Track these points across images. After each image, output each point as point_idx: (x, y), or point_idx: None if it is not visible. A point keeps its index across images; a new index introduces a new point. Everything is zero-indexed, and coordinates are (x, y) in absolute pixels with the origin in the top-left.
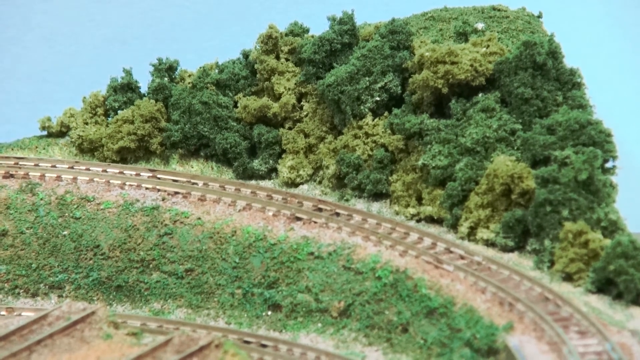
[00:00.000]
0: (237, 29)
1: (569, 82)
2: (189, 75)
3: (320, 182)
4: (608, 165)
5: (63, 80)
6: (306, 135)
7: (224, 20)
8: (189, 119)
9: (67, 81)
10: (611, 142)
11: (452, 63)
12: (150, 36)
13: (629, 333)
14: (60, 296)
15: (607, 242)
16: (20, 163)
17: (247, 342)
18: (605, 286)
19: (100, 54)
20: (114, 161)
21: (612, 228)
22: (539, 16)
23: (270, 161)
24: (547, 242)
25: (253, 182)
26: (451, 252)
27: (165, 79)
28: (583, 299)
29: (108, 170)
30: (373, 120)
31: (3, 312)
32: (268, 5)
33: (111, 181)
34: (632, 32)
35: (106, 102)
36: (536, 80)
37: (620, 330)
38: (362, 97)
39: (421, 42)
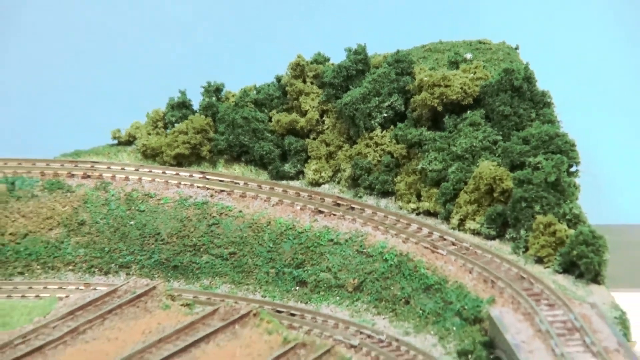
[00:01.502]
0: (272, 57)
1: (540, 102)
2: (232, 95)
3: (338, 182)
4: (572, 169)
5: (130, 98)
6: (327, 145)
7: (261, 50)
8: (232, 131)
9: (133, 100)
10: (575, 151)
11: (446, 86)
12: (201, 63)
13: (589, 305)
14: (127, 274)
15: (571, 232)
16: (95, 166)
17: (279, 312)
18: (569, 267)
19: (161, 78)
20: (171, 165)
21: (575, 220)
22: (516, 48)
23: (298, 165)
24: (522, 232)
25: (284, 182)
26: (444, 239)
27: (213, 98)
28: (551, 278)
29: (166, 172)
30: (381, 132)
31: (82, 287)
32: (297, 38)
33: (169, 181)
34: (594, 59)
35: (165, 117)
36: (514, 100)
37: (582, 303)
38: (373, 114)
39: (420, 69)
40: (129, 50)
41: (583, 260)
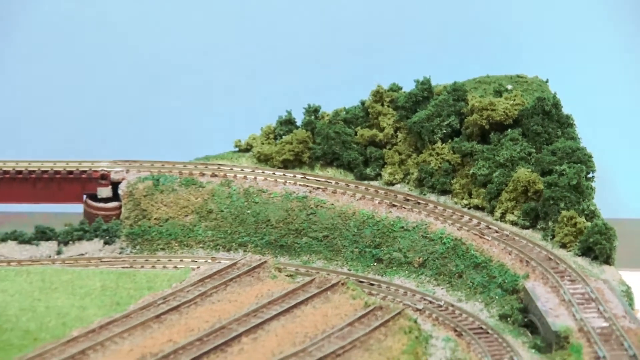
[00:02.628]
0: (358, 86)
1: (565, 123)
2: (327, 115)
3: (407, 183)
4: (589, 175)
5: (248, 115)
6: (399, 154)
7: (349, 80)
8: (326, 142)
9: (251, 116)
10: (591, 161)
11: (492, 110)
12: (303, 89)
13: (602, 281)
14: (244, 251)
15: (588, 224)
16: (221, 167)
17: (361, 282)
18: (586, 251)
19: (272, 99)
20: (279, 167)
21: (591, 215)
22: (547, 81)
23: (377, 169)
24: (550, 223)
25: (366, 182)
26: (490, 228)
27: (312, 117)
28: (572, 260)
29: (275, 173)
30: (441, 145)
31: (209, 260)
32: (376, 71)
33: (277, 180)
34: (609, 90)
35: (275, 131)
36: (544, 122)
37: (596, 279)
38: (435, 130)
39: (472, 96)
40: (247, 77)
41: (597, 246)
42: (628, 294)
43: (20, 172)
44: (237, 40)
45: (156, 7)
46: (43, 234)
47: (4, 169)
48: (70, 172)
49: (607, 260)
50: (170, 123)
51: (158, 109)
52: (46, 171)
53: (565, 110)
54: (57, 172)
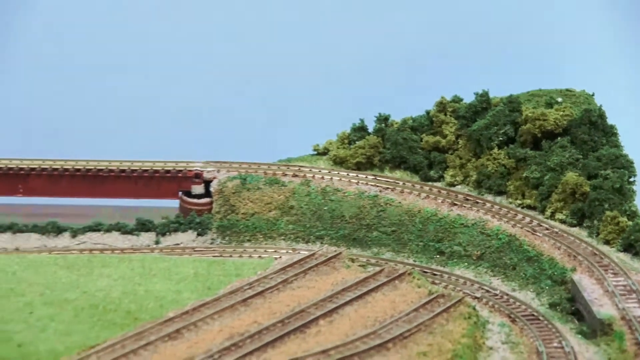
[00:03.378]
0: (423, 97)
1: (609, 132)
2: (396, 123)
3: (467, 184)
4: (631, 179)
5: (326, 123)
6: (460, 158)
7: (415, 93)
8: (395, 147)
9: (327, 123)
10: (633, 167)
11: (544, 120)
12: (374, 99)
13: None
14: (321, 243)
15: (630, 223)
16: (301, 169)
17: (425, 272)
18: (628, 248)
19: (347, 108)
20: (353, 169)
21: (632, 215)
22: (593, 94)
23: (440, 171)
24: (595, 222)
25: (430, 183)
26: (541, 225)
27: (382, 124)
28: (615, 255)
29: (349, 174)
30: (498, 150)
31: (290, 251)
32: (440, 83)
33: (351, 180)
34: None
35: (349, 137)
36: (591, 131)
37: (637, 273)
38: (492, 138)
39: (526, 108)
40: (325, 88)
41: (638, 243)
42: None
43: (123, 170)
44: (317, 54)
45: (244, 17)
46: (143, 226)
47: (110, 167)
48: (168, 172)
49: None
50: (256, 128)
51: (246, 116)
52: (146, 170)
53: (610, 120)
54: (156, 172)
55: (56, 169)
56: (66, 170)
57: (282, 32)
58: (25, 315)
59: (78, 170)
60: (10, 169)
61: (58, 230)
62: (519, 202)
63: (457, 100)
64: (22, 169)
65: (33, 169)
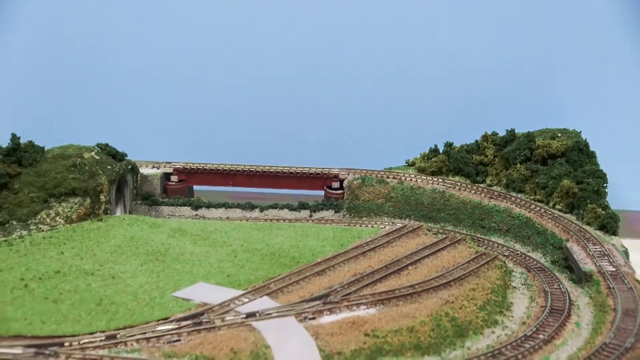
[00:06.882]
0: (474, 131)
1: (591, 155)
2: (456, 147)
3: (500, 186)
4: (604, 185)
5: (413, 144)
6: (496, 169)
7: (469, 129)
8: (456, 162)
9: (414, 145)
10: (605, 177)
11: (549, 147)
12: (442, 131)
13: (611, 245)
14: (409, 219)
15: (603, 212)
16: (398, 174)
17: (473, 239)
18: (602, 227)
19: (425, 137)
20: (429, 175)
21: (605, 207)
22: (580, 132)
23: (483, 177)
24: (581, 211)
25: (476, 184)
26: (546, 212)
27: (448, 148)
28: (594, 232)
29: (427, 178)
30: (520, 165)
31: (390, 224)
32: (484, 124)
33: (428, 181)
34: (621, 132)
35: (427, 155)
36: (579, 154)
37: (608, 243)
38: (516, 157)
39: (538, 139)
40: (413, 120)
41: (608, 225)
42: (625, 252)
43: (291, 172)
44: (416, 92)
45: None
46: (302, 206)
47: (284, 170)
48: (318, 174)
49: (614, 232)
50: (373, 147)
51: (365, 136)
52: (304, 172)
53: (592, 148)
54: (310, 173)
55: (252, 170)
56: (257, 171)
57: (388, 71)
58: (232, 257)
59: (265, 171)
60: (225, 170)
61: (252, 207)
62: (532, 197)
63: (494, 134)
64: (232, 170)
65: (238, 170)
